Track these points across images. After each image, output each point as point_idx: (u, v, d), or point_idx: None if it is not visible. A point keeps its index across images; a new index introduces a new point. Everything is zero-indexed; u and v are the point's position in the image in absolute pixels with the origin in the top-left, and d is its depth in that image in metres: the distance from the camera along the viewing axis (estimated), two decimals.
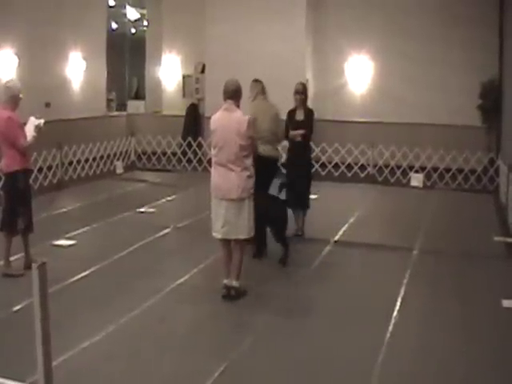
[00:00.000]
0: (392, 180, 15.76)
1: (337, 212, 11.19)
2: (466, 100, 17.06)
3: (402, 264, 9.27)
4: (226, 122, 7.57)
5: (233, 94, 7.63)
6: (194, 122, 19.99)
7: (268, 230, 9.27)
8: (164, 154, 18.15)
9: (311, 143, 11.05)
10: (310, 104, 10.90)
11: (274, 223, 9.10)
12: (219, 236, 7.71)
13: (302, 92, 10.44)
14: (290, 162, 10.64)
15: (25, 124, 8.55)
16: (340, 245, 10.40)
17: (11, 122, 8.24)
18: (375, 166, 16.52)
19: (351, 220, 11.91)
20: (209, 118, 7.99)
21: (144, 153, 18.58)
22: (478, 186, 15.18)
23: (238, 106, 7.68)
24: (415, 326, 7.12)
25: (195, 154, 17.73)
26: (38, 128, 8.55)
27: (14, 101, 8.35)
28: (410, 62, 17.74)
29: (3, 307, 7.22)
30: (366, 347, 6.43)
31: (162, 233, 10.86)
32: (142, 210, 12.58)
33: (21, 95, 8.44)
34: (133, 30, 26.82)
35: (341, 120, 18.51)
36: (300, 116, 10.43)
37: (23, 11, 15.83)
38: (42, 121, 8.64)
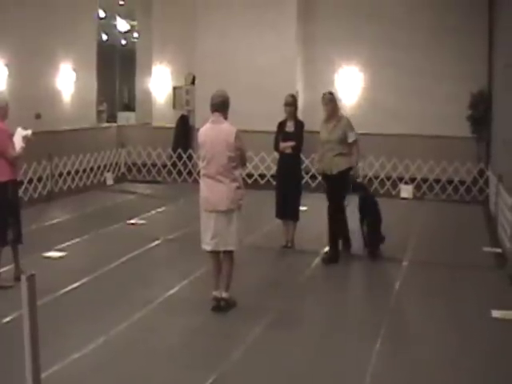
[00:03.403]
0: (382, 191, 15.76)
1: (326, 224, 11.16)
2: (456, 110, 17.08)
3: (391, 275, 9.29)
4: (214, 134, 7.55)
5: (220, 106, 7.60)
6: (184, 133, 19.95)
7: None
8: (154, 165, 18.13)
9: (301, 155, 11.07)
10: (299, 115, 10.92)
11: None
12: (209, 248, 7.70)
13: (291, 104, 10.46)
14: (280, 173, 10.67)
15: (12, 135, 8.54)
16: None
17: (0, 133, 8.23)
18: (365, 177, 16.53)
19: None
20: (199, 129, 7.96)
21: (134, 164, 18.57)
22: (467, 196, 15.21)
23: (225, 118, 7.65)
24: (405, 337, 7.14)
25: (185, 165, 17.69)
26: (25, 139, 8.54)
27: (2, 112, 8.35)
28: (399, 72, 17.79)
29: None
30: (355, 359, 6.44)
31: (152, 244, 10.84)
32: (132, 221, 12.56)
33: (8, 105, 8.45)
34: (123, 42, 26.88)
35: None
36: (290, 128, 10.46)
37: (13, 22, 15.82)
38: (29, 131, 8.63)
